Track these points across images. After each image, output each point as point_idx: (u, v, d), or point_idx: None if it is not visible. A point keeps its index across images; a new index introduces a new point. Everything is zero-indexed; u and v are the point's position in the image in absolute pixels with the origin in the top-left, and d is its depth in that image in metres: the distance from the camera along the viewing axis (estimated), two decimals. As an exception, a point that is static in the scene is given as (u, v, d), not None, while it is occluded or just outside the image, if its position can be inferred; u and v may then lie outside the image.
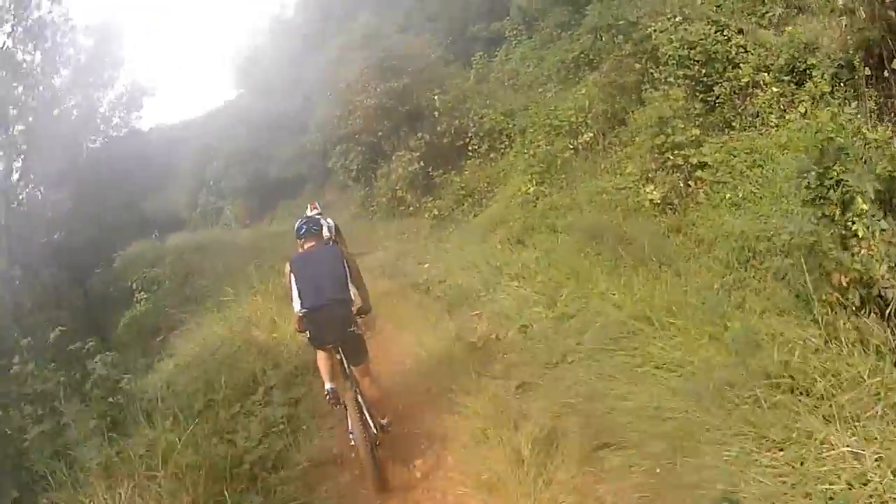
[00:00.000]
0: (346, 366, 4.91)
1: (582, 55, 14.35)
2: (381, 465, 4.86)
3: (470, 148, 14.61)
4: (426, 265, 11.54)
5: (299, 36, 30.97)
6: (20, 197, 22.42)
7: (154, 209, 34.42)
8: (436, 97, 15.42)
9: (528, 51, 17.25)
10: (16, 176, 22.63)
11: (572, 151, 11.17)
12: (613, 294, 6.70)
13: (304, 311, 4.85)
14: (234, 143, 29.60)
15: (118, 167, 27.39)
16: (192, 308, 14.19)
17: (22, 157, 22.75)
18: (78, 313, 23.01)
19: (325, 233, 7.36)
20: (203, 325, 10.97)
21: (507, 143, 14.01)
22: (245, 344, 8.44)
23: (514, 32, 18.32)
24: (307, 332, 4.97)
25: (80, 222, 23.72)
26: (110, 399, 6.33)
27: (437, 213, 13.87)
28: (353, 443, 4.84)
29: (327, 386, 5.13)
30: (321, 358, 5.15)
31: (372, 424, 4.89)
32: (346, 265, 5.02)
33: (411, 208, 15.64)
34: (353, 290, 5.10)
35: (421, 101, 16.33)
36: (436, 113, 15.42)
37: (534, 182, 10.97)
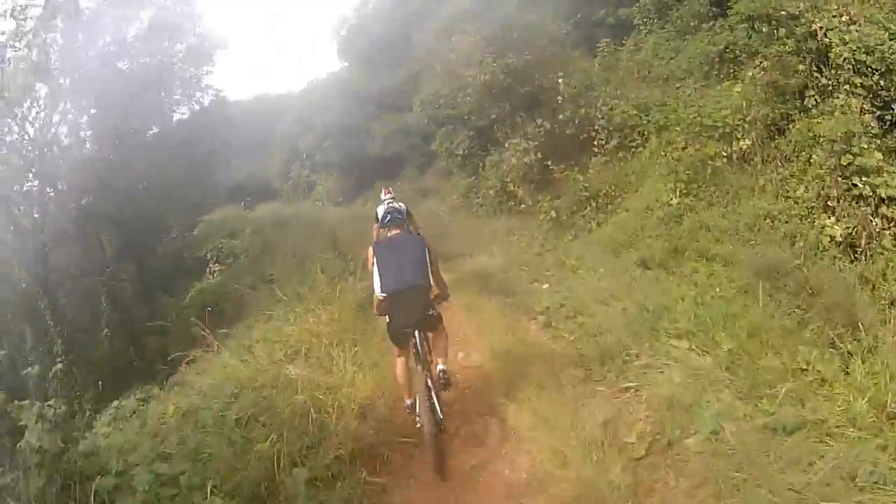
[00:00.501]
0: (419, 352, 5.11)
1: (728, 49, 12.80)
2: (444, 449, 5.11)
3: (595, 143, 13.14)
4: (545, 286, 9.55)
5: (407, 5, 29.81)
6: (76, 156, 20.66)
7: (246, 178, 35.33)
8: (560, 80, 13.96)
9: (662, 41, 15.57)
10: (63, 130, 20.68)
11: (725, 160, 9.70)
12: (838, 393, 4.76)
13: (384, 294, 5.08)
14: (332, 116, 29.26)
15: (203, 134, 26.31)
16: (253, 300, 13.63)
17: (82, 114, 21.24)
18: (134, 283, 23.04)
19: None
20: (238, 344, 8.61)
21: (639, 141, 12.54)
22: (274, 398, 5.70)
23: (645, 21, 16.61)
24: (387, 317, 5.19)
25: (146, 189, 22.67)
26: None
27: (554, 214, 12.40)
28: (418, 426, 5.09)
29: (408, 402, 5.42)
30: (399, 366, 5.35)
31: (438, 410, 5.10)
32: (427, 254, 5.24)
33: (523, 205, 14.26)
34: (431, 278, 5.26)
35: (542, 84, 14.86)
36: (559, 98, 13.90)
37: (677, 192, 9.58)
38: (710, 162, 9.68)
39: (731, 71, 12.64)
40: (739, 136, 9.85)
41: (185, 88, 24.37)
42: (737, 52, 12.56)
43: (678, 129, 10.95)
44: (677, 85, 13.47)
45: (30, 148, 18.50)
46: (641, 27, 16.57)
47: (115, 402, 8.84)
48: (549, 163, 13.58)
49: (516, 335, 7.42)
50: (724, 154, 9.75)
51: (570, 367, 6.10)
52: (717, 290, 6.93)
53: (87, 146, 21.18)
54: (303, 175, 34.15)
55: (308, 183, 33.57)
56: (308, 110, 33.17)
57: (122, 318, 20.75)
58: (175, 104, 24.64)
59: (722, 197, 9.24)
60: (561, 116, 13.74)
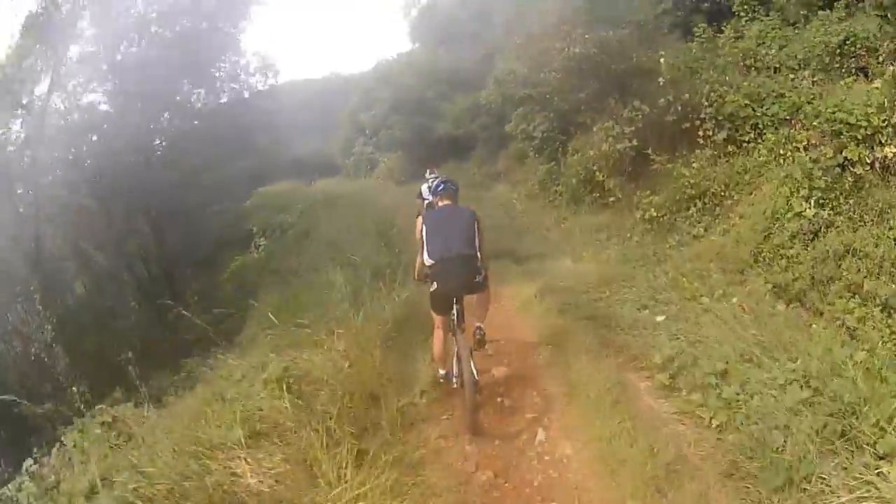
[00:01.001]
0: (458, 320, 5.34)
1: (850, 41, 11.44)
2: (479, 408, 5.34)
3: (701, 133, 11.50)
4: (659, 318, 7.22)
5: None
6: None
7: (310, 153, 36.95)
8: (661, 60, 12.43)
9: (767, 29, 13.86)
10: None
11: (868, 168, 8.25)
12: None
13: (432, 262, 5.34)
14: (399, 94, 28.11)
15: (264, 110, 25.89)
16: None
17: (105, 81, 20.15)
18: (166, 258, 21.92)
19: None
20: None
21: (752, 135, 10.99)
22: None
23: (745, 7, 14.87)
24: (433, 284, 5.37)
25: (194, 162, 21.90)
26: None
27: (654, 213, 10.99)
28: (455, 385, 5.41)
29: (441, 371, 5.75)
30: (438, 338, 5.62)
31: (475, 371, 5.13)
32: (476, 227, 5.50)
33: (612, 199, 12.85)
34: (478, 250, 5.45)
35: (639, 63, 13.41)
36: (660, 80, 12.27)
37: (812, 202, 8.10)
38: (852, 168, 8.21)
39: (855, 65, 11.22)
40: (884, 140, 8.34)
41: (221, 50, 23.03)
42: (858, 44, 11.29)
43: (808, 124, 9.54)
44: (791, 76, 11.88)
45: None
46: (742, 14, 14.84)
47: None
48: (649, 151, 12.07)
49: (624, 409, 5.08)
50: (868, 160, 8.27)
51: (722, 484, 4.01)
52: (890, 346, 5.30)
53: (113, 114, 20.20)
54: (366, 152, 33.49)
55: (370, 160, 32.76)
56: (375, 87, 32.24)
57: (145, 295, 19.89)
58: (216, 69, 23.36)
59: (866, 213, 7.69)
60: (661, 101, 12.14)
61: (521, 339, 7.40)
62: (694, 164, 11.20)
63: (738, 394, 4.89)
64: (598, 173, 13.28)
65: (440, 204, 5.93)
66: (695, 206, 10.62)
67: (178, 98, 21.73)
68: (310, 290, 10.02)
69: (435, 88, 26.68)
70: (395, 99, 27.82)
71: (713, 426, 4.77)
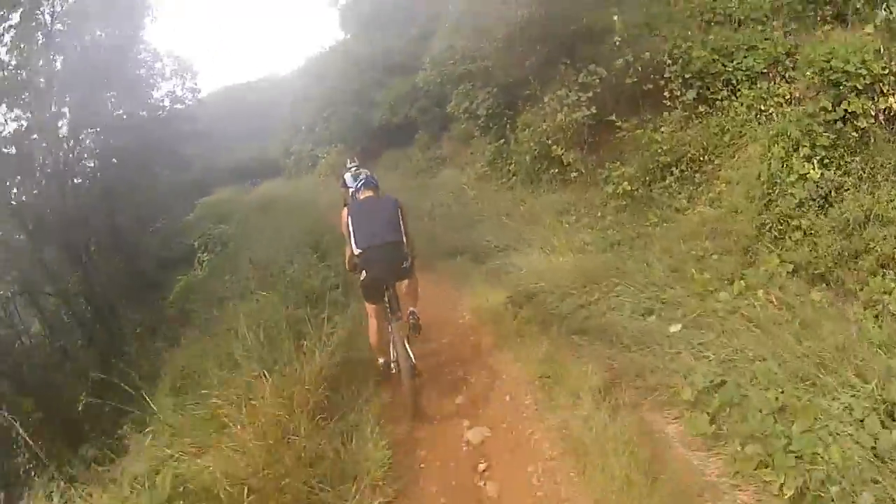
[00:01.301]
0: (391, 306, 5.45)
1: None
2: (419, 393, 5.49)
3: (668, 94, 10.23)
4: (673, 328, 5.72)
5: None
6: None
7: (250, 158, 37.60)
8: (615, 17, 11.03)
9: None
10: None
11: (872, 121, 7.15)
12: None
13: (360, 251, 5.50)
14: (330, 85, 26.88)
15: (192, 121, 26.49)
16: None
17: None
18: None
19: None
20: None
21: (726, 92, 9.81)
22: None
23: None
24: (362, 273, 5.50)
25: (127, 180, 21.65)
26: None
27: (626, 186, 9.56)
28: (394, 371, 5.62)
29: (381, 360, 5.90)
30: (373, 327, 5.76)
31: (411, 356, 5.33)
32: (400, 213, 5.67)
33: (573, 174, 11.52)
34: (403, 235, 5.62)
35: (590, 24, 12.23)
36: (615, 40, 10.93)
37: (816, 162, 6.90)
38: (854, 122, 7.09)
39: (830, 12, 10.00)
40: (886, 90, 7.23)
41: (133, 54, 23.30)
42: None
43: (789, 76, 8.73)
44: (760, 28, 10.71)
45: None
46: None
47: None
48: (613, 118, 10.68)
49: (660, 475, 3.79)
50: (872, 112, 7.16)
51: None
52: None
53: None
54: (305, 149, 32.01)
55: (311, 157, 31.14)
56: (306, 82, 30.72)
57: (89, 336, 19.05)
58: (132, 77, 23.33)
59: (878, 172, 6.62)
60: (618, 62, 10.85)
61: (496, 377, 6.06)
62: (663, 129, 9.98)
63: (809, 441, 3.57)
64: (554, 147, 11.83)
65: (361, 197, 5.97)
66: (671, 174, 9.37)
67: (97, 113, 21.30)
68: (227, 335, 7.87)
69: (369, 76, 25.14)
70: (328, 91, 26.51)
71: (785, 496, 3.41)
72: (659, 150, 9.60)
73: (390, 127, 22.99)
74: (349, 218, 5.65)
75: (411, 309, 5.95)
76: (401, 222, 5.65)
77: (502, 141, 14.96)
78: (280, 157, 35.72)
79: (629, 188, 9.59)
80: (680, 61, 10.28)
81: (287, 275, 9.81)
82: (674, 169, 9.42)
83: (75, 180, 20.86)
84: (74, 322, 19.75)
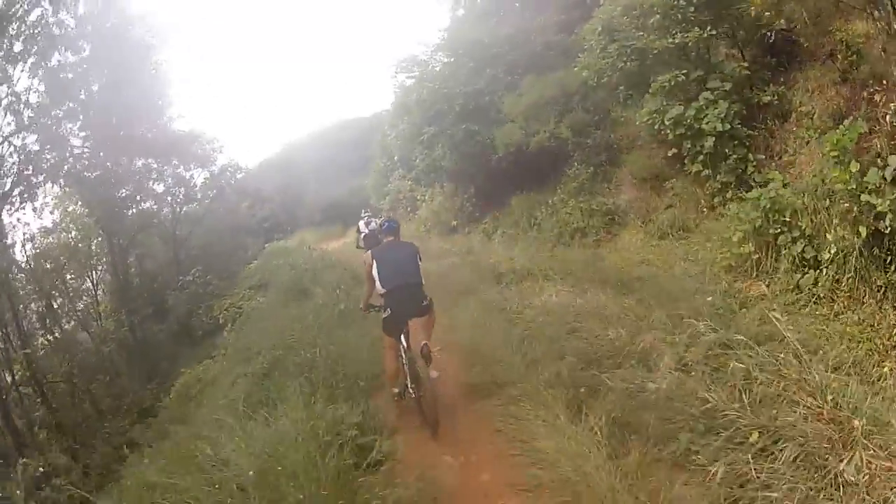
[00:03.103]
0: (407, 338, 5.91)
1: None
2: (436, 411, 5.87)
3: None
4: None
5: None
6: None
7: (346, 194, 32.98)
8: None
9: None
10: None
11: None
12: None
13: (384, 290, 6.01)
14: (434, 88, 17.54)
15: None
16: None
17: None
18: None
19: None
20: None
21: None
22: None
23: None
24: (387, 310, 6.02)
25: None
26: None
27: None
28: (412, 394, 5.94)
29: (395, 390, 6.20)
30: (389, 357, 6.20)
31: (428, 377, 5.92)
32: (418, 258, 6.22)
33: None
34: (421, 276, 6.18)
35: None
36: None
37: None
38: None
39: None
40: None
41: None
42: None
43: None
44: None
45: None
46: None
47: None
48: None
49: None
50: None
51: None
52: None
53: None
54: (403, 188, 24.75)
55: (409, 199, 23.89)
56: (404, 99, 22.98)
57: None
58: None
59: None
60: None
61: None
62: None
63: None
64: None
65: (385, 240, 6.65)
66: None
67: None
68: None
69: (489, 74, 16.13)
70: (429, 98, 16.87)
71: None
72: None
73: (522, 157, 14.49)
74: (374, 260, 6.14)
75: (424, 342, 6.03)
76: (419, 265, 6.15)
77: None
78: (373, 195, 28.88)
79: None
80: None
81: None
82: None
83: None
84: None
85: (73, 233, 22.27)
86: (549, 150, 13.78)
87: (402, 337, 5.87)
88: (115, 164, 21.30)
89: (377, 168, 28.54)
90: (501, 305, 8.54)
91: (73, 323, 21.01)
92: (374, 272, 6.00)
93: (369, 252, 6.29)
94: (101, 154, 20.83)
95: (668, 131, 9.76)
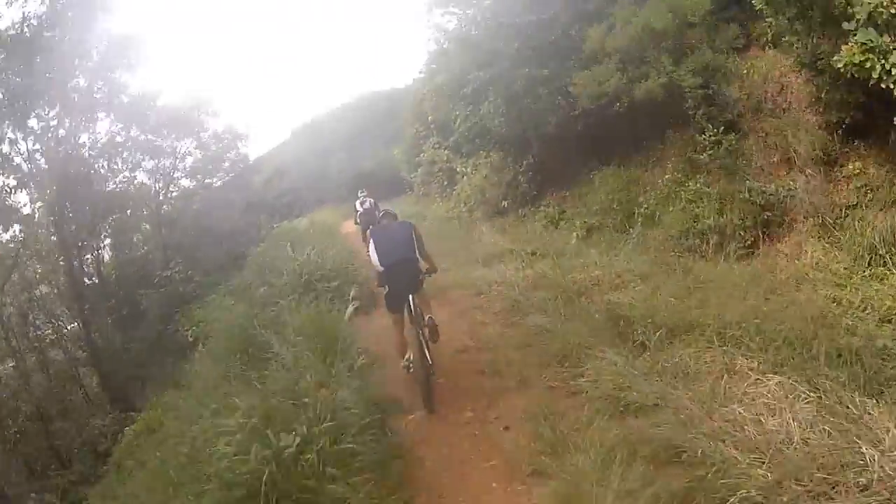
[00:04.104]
0: (413, 313, 5.85)
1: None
2: (434, 391, 5.63)
3: None
4: None
5: None
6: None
7: (375, 166, 29.22)
8: None
9: None
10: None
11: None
12: None
13: (382, 268, 5.95)
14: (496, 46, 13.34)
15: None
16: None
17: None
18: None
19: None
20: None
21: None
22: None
23: None
24: (385, 287, 6.01)
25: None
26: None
27: None
28: (411, 370, 5.92)
29: (403, 362, 6.10)
30: (396, 334, 6.19)
31: (429, 357, 5.72)
32: (413, 234, 6.16)
33: None
34: (418, 253, 6.12)
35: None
36: None
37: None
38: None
39: None
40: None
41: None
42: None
43: None
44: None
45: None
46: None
47: None
48: None
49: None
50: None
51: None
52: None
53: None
54: (439, 159, 20.75)
55: (447, 172, 19.82)
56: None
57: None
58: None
59: None
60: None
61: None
62: None
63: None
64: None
65: (382, 222, 6.75)
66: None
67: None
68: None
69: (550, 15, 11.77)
70: (474, 41, 12.55)
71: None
72: None
73: (607, 115, 10.12)
74: (372, 239, 6.17)
75: (428, 316, 6.00)
76: (415, 243, 6.08)
77: None
78: (405, 166, 24.89)
79: None
80: None
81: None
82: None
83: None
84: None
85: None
86: (650, 107, 9.38)
87: (409, 312, 5.89)
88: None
89: (408, 135, 24.56)
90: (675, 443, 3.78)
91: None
92: (372, 251, 6.06)
93: (367, 232, 7.31)
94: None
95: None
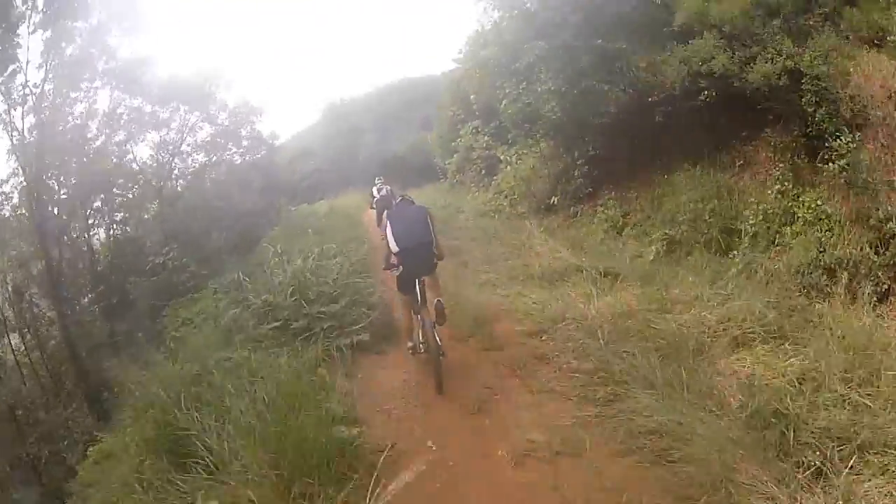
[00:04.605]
0: (421, 296, 5.99)
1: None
2: (442, 371, 5.68)
3: None
4: None
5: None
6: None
7: (408, 150, 30.15)
8: None
9: None
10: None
11: None
12: None
13: (398, 249, 6.00)
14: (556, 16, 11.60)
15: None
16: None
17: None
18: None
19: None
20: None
21: None
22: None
23: None
24: (400, 269, 6.05)
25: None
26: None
27: None
28: (422, 352, 6.18)
29: (409, 344, 6.36)
30: (405, 315, 6.39)
31: (439, 339, 5.75)
32: (429, 218, 6.23)
33: None
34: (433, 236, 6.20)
35: None
36: None
37: None
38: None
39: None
40: None
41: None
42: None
43: None
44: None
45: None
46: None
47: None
48: None
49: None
50: None
51: None
52: None
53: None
54: (478, 145, 19.06)
55: (486, 159, 18.05)
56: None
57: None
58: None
59: None
60: None
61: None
62: None
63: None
64: None
65: (398, 202, 6.60)
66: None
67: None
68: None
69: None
70: (531, 9, 10.87)
71: None
72: None
73: (686, 103, 8.39)
74: (388, 220, 6.19)
75: (438, 298, 6.14)
76: (430, 226, 6.13)
77: None
78: (438, 152, 23.67)
79: None
80: None
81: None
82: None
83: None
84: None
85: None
86: (747, 99, 7.53)
87: (418, 295, 5.99)
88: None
89: (444, 119, 23.37)
90: None
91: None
92: (388, 232, 6.08)
93: (384, 213, 7.00)
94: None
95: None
